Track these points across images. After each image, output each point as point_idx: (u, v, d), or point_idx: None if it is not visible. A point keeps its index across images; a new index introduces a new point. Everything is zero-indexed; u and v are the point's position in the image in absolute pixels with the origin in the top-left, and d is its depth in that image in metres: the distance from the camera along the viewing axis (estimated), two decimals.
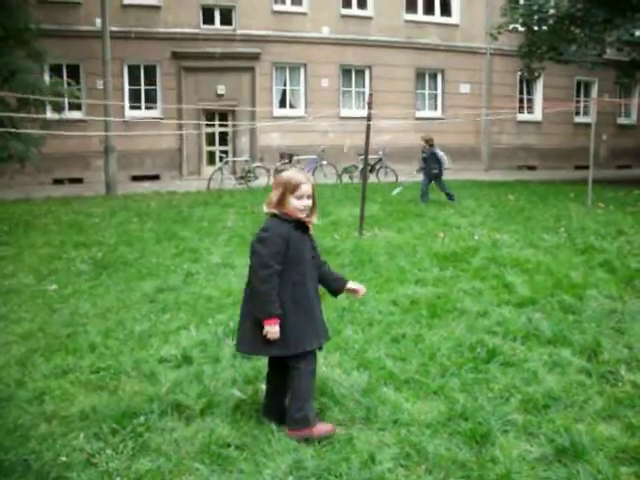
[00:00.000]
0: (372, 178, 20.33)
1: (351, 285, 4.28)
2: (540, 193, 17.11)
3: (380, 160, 21.79)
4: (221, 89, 23.19)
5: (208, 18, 23.23)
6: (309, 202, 3.93)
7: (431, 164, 14.87)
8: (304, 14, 24.32)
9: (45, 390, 4.57)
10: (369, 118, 10.87)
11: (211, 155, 23.94)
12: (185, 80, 22.88)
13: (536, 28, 21.75)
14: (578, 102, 28.84)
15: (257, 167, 20.81)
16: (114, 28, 19.72)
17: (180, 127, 22.33)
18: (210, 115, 23.74)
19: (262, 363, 5.00)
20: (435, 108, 27.12)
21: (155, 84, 22.81)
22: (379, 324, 5.96)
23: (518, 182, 21.02)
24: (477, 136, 27.43)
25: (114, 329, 5.98)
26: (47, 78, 18.40)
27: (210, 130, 23.72)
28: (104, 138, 18.92)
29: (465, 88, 27.05)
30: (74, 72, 21.33)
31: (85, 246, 10.06)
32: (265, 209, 3.99)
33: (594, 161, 13.90)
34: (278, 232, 3.86)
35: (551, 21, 21.33)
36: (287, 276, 3.87)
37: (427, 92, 26.97)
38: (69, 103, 18.39)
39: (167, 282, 7.73)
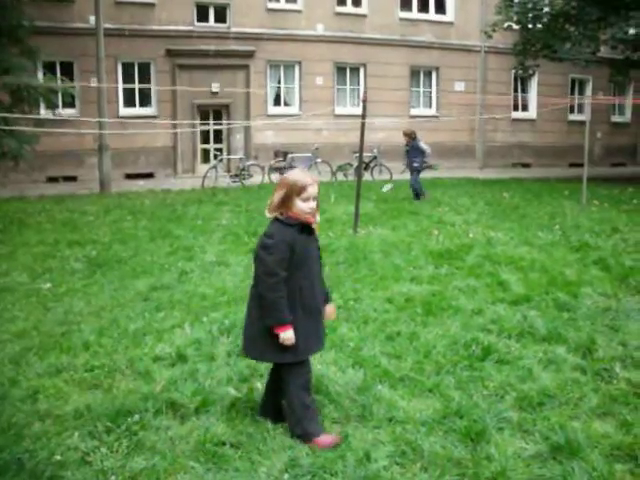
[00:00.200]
0: (367, 176, 20.35)
1: (328, 308, 4.13)
2: (535, 191, 17.14)
3: (375, 158, 21.79)
4: (215, 87, 23.14)
5: (202, 16, 23.17)
6: (314, 204, 3.83)
7: (412, 157, 14.88)
8: (298, 12, 24.28)
9: (39, 389, 4.56)
10: (364, 116, 10.86)
11: (205, 153, 23.90)
12: (179, 78, 22.82)
13: (530, 26, 21.77)
14: (572, 100, 28.88)
15: (251, 165, 20.80)
16: (108, 25, 19.66)
17: (174, 125, 22.29)
18: (204, 113, 23.70)
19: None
20: (430, 106, 27.11)
21: (149, 82, 22.74)
22: (374, 322, 5.97)
23: (513, 180, 21.05)
24: (472, 134, 27.45)
25: (108, 327, 5.97)
26: (41, 76, 18.32)
27: (204, 128, 23.67)
28: (98, 136, 18.85)
29: (460, 86, 27.05)
30: (68, 70, 21.23)
31: (79, 244, 10.03)
32: (267, 213, 3.90)
33: (588, 159, 13.92)
34: (283, 238, 3.76)
35: (545, 19, 21.35)
36: (294, 281, 3.78)
37: (422, 90, 26.96)
38: (63, 101, 18.29)
39: (161, 280, 7.72)
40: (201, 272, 8.12)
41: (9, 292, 7.37)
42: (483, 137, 27.61)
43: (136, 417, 4.07)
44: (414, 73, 26.56)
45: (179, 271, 8.16)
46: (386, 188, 16.57)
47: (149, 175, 22.58)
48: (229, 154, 23.05)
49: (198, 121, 23.20)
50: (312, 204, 3.80)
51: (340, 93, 25.57)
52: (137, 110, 22.55)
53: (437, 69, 26.75)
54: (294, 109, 24.42)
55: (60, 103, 17.96)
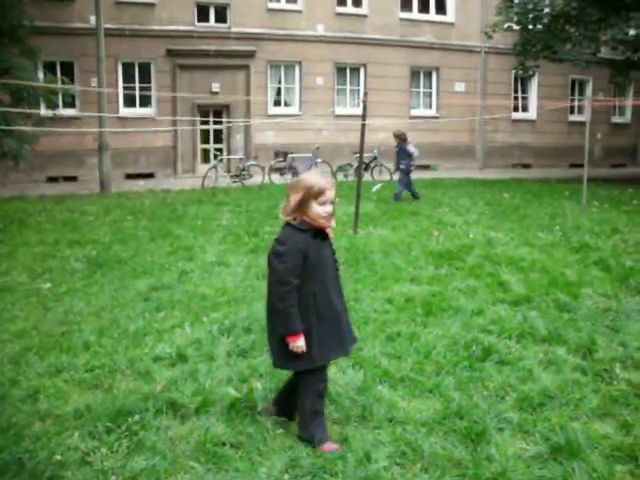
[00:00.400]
0: (367, 176, 20.35)
1: None
2: (535, 191, 17.13)
3: (375, 158, 21.77)
4: (216, 87, 23.14)
5: (203, 16, 23.17)
6: (331, 208, 3.75)
7: (400, 159, 14.92)
8: (299, 12, 24.29)
9: (39, 389, 4.56)
10: (364, 116, 10.86)
11: (205, 153, 23.91)
12: (180, 78, 22.82)
13: (531, 27, 21.75)
14: (573, 101, 28.88)
15: (252, 165, 20.79)
16: (108, 25, 19.66)
17: (174, 125, 22.29)
18: (205, 113, 23.70)
19: (257, 361, 5.01)
20: (430, 106, 27.11)
21: (149, 82, 22.74)
22: (374, 322, 5.96)
23: (513, 180, 21.04)
24: (472, 134, 27.45)
25: (108, 327, 5.97)
26: (41, 75, 18.32)
27: (205, 128, 23.67)
28: (98, 136, 18.85)
29: (460, 86, 27.05)
30: (68, 70, 21.23)
31: (79, 244, 10.03)
32: (282, 216, 3.79)
33: (589, 160, 13.91)
34: (295, 245, 3.67)
35: (546, 20, 21.34)
36: (307, 288, 3.70)
37: (422, 90, 26.96)
38: (63, 101, 18.29)
39: (161, 280, 7.71)
40: (201, 272, 8.12)
41: (9, 292, 7.37)
42: (483, 138, 27.61)
43: (136, 417, 4.07)
44: (414, 74, 26.56)
45: (179, 271, 8.15)
46: (376, 188, 16.63)
47: (149, 175, 22.58)
48: (229, 154, 23.05)
49: (198, 119, 23.19)
50: (329, 208, 3.72)
51: (340, 93, 25.57)
52: (137, 110, 22.55)
53: (437, 70, 26.75)
54: (294, 109, 24.42)
55: (60, 103, 17.97)
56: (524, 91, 28.72)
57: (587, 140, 13.66)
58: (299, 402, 3.91)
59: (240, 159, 21.27)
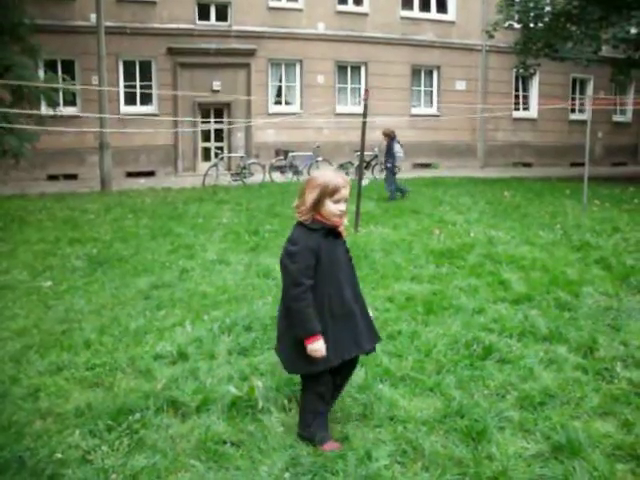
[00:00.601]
0: (367, 174, 20.34)
1: None
2: (536, 190, 17.13)
3: (376, 157, 21.77)
4: (216, 85, 23.13)
5: (204, 14, 23.17)
6: (345, 207, 3.69)
7: (387, 157, 15.01)
8: (300, 10, 24.28)
9: (40, 387, 4.56)
10: (365, 115, 10.85)
11: (206, 151, 23.90)
12: (180, 76, 22.82)
13: (532, 25, 21.75)
14: (574, 99, 28.86)
15: (252, 163, 20.79)
16: (109, 23, 19.66)
17: (175, 123, 22.28)
18: (205, 111, 23.70)
19: (258, 360, 5.01)
20: (431, 105, 27.10)
21: (150, 80, 22.74)
22: (375, 321, 5.94)
23: (514, 179, 21.04)
24: (473, 133, 27.45)
25: (109, 326, 5.97)
26: (42, 74, 18.32)
27: (205, 126, 23.67)
28: (99, 134, 18.86)
29: (461, 85, 27.05)
30: (69, 68, 21.22)
31: (80, 242, 10.03)
32: (299, 216, 3.71)
33: (590, 158, 13.90)
34: (307, 245, 3.61)
35: (547, 18, 21.33)
36: (321, 289, 3.64)
37: (423, 89, 26.95)
38: (64, 99, 18.29)
39: (162, 278, 7.71)
40: (202, 270, 8.12)
41: (10, 290, 7.37)
42: (484, 136, 27.60)
43: (137, 415, 4.07)
44: (415, 72, 26.55)
45: (180, 269, 8.15)
46: (363, 182, 16.64)
47: (150, 173, 22.60)
48: (230, 152, 23.05)
49: (199, 120, 23.19)
50: (342, 206, 3.66)
51: (341, 92, 25.56)
52: (138, 108, 22.55)
53: (438, 68, 26.73)
54: (295, 108, 24.42)
55: (61, 101, 17.97)
56: (525, 90, 28.71)
57: (588, 139, 13.64)
58: (301, 401, 3.91)
59: (241, 157, 21.28)
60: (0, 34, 15.37)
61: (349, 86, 25.71)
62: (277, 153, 21.95)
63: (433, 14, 26.62)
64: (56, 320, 6.21)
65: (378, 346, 5.22)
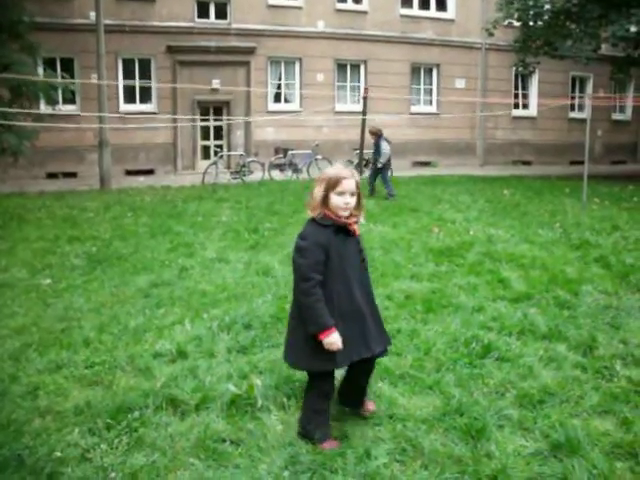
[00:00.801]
0: (367, 173, 20.31)
1: None
2: (535, 188, 17.13)
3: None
4: (216, 83, 23.11)
5: (203, 12, 23.14)
6: (351, 200, 3.65)
7: (375, 155, 15.13)
8: (299, 8, 24.25)
9: (39, 385, 4.56)
10: (364, 113, 10.85)
11: (206, 149, 23.88)
12: (180, 74, 22.80)
13: (531, 23, 21.72)
14: (573, 98, 28.85)
15: (252, 162, 20.77)
16: (108, 21, 19.64)
17: (175, 121, 22.27)
18: (205, 109, 23.68)
19: (257, 358, 5.01)
20: (430, 103, 27.08)
21: (150, 78, 22.72)
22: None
23: (513, 177, 21.04)
24: (472, 131, 27.43)
25: (108, 324, 5.97)
26: (41, 72, 18.31)
27: (205, 124, 23.66)
28: (98, 132, 18.85)
29: (460, 83, 27.03)
30: (68, 66, 21.21)
31: (79, 240, 10.03)
32: (309, 212, 3.74)
33: (589, 157, 13.89)
34: (316, 240, 3.61)
35: (546, 16, 21.31)
36: (330, 287, 3.64)
37: (422, 87, 26.92)
38: (63, 97, 18.28)
39: (161, 277, 7.71)
40: (201, 269, 8.12)
41: (9, 288, 7.36)
42: (483, 134, 27.59)
43: (136, 414, 4.07)
44: (415, 70, 26.52)
45: (179, 268, 8.15)
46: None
47: (149, 171, 22.59)
48: (229, 151, 23.04)
49: (198, 117, 23.17)
50: (347, 199, 3.64)
51: (340, 90, 25.54)
52: (137, 106, 22.53)
53: (438, 66, 26.71)
54: (295, 106, 24.41)
55: (60, 99, 17.95)
56: (524, 88, 28.69)
57: (587, 137, 13.64)
58: (305, 401, 3.90)
59: (240, 155, 21.26)
60: None
61: (348, 84, 25.69)
62: (276, 151, 21.93)
63: (433, 12, 26.60)
64: (55, 318, 6.21)
65: None
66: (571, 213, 12.29)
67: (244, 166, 20.25)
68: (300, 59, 24.46)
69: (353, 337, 3.69)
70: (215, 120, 23.68)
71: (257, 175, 20.17)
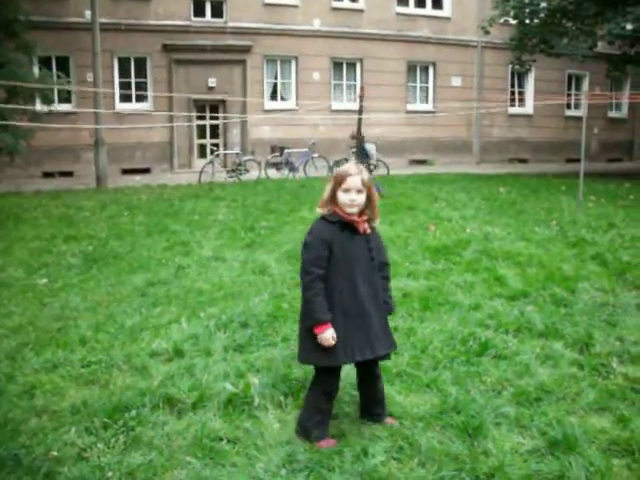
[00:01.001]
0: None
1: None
2: (532, 186, 17.13)
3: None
4: (212, 82, 23.09)
5: (199, 10, 23.11)
6: (357, 197, 3.66)
7: (363, 156, 15.25)
8: (295, 7, 24.23)
9: (35, 384, 4.55)
10: (360, 111, 10.85)
11: (202, 148, 23.84)
12: (176, 73, 22.77)
13: (527, 21, 21.73)
14: (569, 95, 28.88)
15: (248, 160, 20.76)
16: (104, 20, 19.58)
17: (171, 120, 22.24)
18: (201, 108, 23.66)
19: (254, 357, 5.00)
20: (426, 101, 27.10)
21: (145, 77, 22.68)
22: None
23: (510, 175, 21.04)
24: (469, 129, 27.44)
25: (105, 323, 5.96)
26: (36, 70, 18.27)
27: (201, 123, 23.63)
28: (94, 131, 18.81)
29: (456, 81, 27.04)
30: (64, 64, 21.17)
31: (75, 240, 10.01)
32: (317, 208, 3.79)
33: (585, 154, 13.91)
34: (320, 235, 3.66)
35: (542, 14, 21.32)
36: (332, 283, 3.66)
37: (418, 85, 26.93)
38: (59, 96, 18.24)
39: (158, 276, 7.70)
40: (198, 267, 8.11)
41: (5, 287, 7.35)
42: (480, 132, 27.60)
43: (133, 413, 4.07)
44: (411, 68, 26.53)
45: (176, 266, 8.14)
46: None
47: (145, 170, 22.56)
48: (226, 149, 23.01)
49: (194, 114, 23.14)
50: (353, 196, 3.65)
51: (337, 88, 25.53)
52: (133, 105, 22.50)
53: (434, 64, 26.72)
54: (291, 104, 24.40)
55: (56, 98, 17.91)
56: (521, 86, 28.71)
57: (584, 135, 13.64)
58: (306, 397, 3.90)
59: (236, 154, 21.23)
60: None
61: (345, 82, 25.69)
62: (273, 150, 21.91)
63: (428, 10, 26.61)
64: (52, 317, 6.20)
65: None
66: (567, 211, 12.30)
67: (240, 165, 20.24)
68: (296, 57, 24.45)
69: (356, 336, 3.70)
70: (211, 119, 23.66)
71: (253, 174, 20.15)
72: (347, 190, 3.65)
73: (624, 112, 31.29)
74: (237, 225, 10.96)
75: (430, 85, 27.00)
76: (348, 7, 25.19)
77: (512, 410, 4.12)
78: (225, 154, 22.39)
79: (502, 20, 21.81)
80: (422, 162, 26.15)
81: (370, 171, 15.13)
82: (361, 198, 3.68)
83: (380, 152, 21.71)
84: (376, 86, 23.53)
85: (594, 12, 19.64)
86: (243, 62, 23.67)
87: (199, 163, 21.87)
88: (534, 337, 5.43)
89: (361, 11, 25.31)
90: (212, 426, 3.93)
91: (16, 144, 14.88)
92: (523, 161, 28.26)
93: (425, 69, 26.91)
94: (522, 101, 28.74)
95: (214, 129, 24.06)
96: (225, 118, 23.04)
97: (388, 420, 3.98)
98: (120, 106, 22.03)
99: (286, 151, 21.19)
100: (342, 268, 3.68)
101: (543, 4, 21.03)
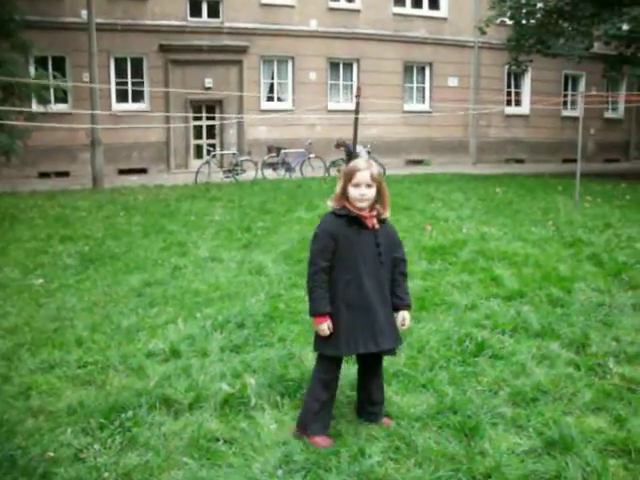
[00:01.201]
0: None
1: (403, 315, 3.95)
2: (528, 186, 17.15)
3: (369, 153, 21.73)
4: (208, 82, 23.08)
5: (195, 10, 23.09)
6: (367, 191, 3.71)
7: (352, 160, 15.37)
8: (292, 7, 24.23)
9: (32, 385, 4.54)
10: (357, 111, 10.85)
11: (198, 148, 23.84)
12: (172, 73, 22.75)
13: (524, 22, 21.77)
14: (566, 96, 28.92)
15: (245, 160, 20.76)
16: (100, 20, 19.57)
17: (167, 120, 22.22)
18: (197, 108, 23.64)
19: (251, 357, 5.00)
20: (423, 101, 27.12)
21: (142, 77, 22.66)
22: None
23: (506, 175, 21.06)
24: (465, 129, 27.47)
25: (101, 323, 5.95)
26: (32, 70, 18.24)
27: (198, 123, 23.62)
28: (91, 131, 18.78)
29: (453, 81, 27.07)
30: (60, 65, 21.14)
31: (72, 240, 9.99)
32: (328, 202, 3.87)
33: (582, 155, 13.93)
34: (327, 228, 3.75)
35: (539, 15, 21.38)
36: (337, 275, 3.74)
37: (415, 85, 26.96)
38: (55, 96, 18.21)
39: (154, 276, 7.69)
40: (194, 268, 8.10)
41: (1, 288, 7.33)
42: (476, 133, 27.64)
43: (129, 413, 4.06)
44: (407, 68, 26.55)
45: (172, 267, 8.13)
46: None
47: (142, 170, 22.53)
48: (222, 149, 23.00)
49: (191, 115, 23.13)
50: (363, 190, 3.70)
51: (333, 88, 25.54)
52: (130, 105, 22.47)
53: (430, 64, 26.74)
54: (287, 104, 24.39)
55: (52, 98, 17.88)
56: (517, 86, 28.75)
57: (580, 135, 13.68)
58: (309, 388, 3.96)
59: (233, 154, 21.24)
60: None
61: (341, 83, 25.70)
62: (269, 150, 21.91)
63: (425, 10, 26.64)
64: (48, 318, 6.18)
65: None
66: (564, 211, 12.31)
67: (237, 165, 20.24)
68: (293, 58, 24.45)
69: (360, 328, 3.75)
70: (208, 119, 23.65)
71: (250, 174, 20.15)
72: (357, 185, 3.71)
73: (620, 113, 31.33)
74: (233, 225, 10.95)
75: (427, 85, 27.02)
76: (345, 7, 25.21)
77: (508, 410, 4.13)
78: (222, 154, 22.39)
79: (499, 21, 21.83)
80: (418, 162, 26.18)
81: None
82: (371, 192, 3.74)
83: (376, 152, 21.75)
84: (373, 86, 23.53)
85: (590, 13, 19.68)
86: (240, 62, 23.66)
87: (196, 163, 21.86)
88: (530, 337, 5.43)
89: (358, 11, 25.32)
90: (208, 427, 3.93)
91: (12, 144, 14.86)
92: (520, 161, 28.29)
93: (422, 69, 26.93)
94: (518, 101, 28.75)
95: (211, 129, 24.05)
96: (222, 118, 23.03)
97: (384, 421, 3.98)
98: (117, 106, 22.00)
99: (282, 151, 21.20)
100: (347, 261, 3.75)
101: (539, 5, 21.07)
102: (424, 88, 27.06)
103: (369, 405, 4.03)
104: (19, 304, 6.68)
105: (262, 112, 23.48)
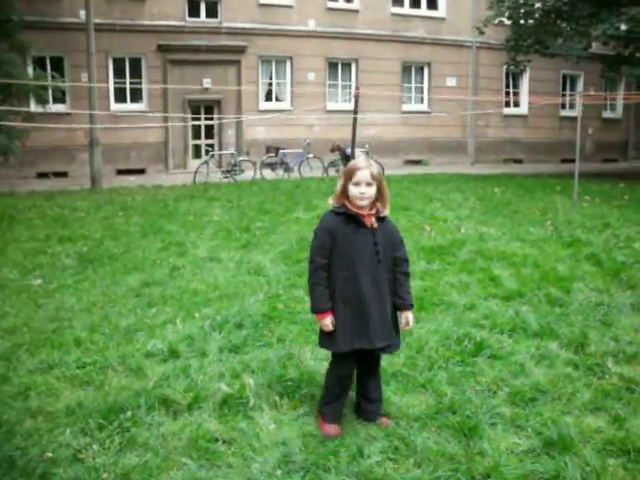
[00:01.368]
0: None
1: (406, 316, 3.99)
2: (526, 186, 17.15)
3: (367, 153, 21.74)
4: (207, 82, 23.07)
5: (194, 10, 23.08)
6: (367, 190, 3.76)
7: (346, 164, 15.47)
8: (290, 7, 24.22)
9: (30, 385, 4.54)
10: (355, 111, 10.84)
11: (197, 148, 23.83)
12: (171, 73, 22.74)
13: (522, 22, 21.78)
14: (564, 96, 28.94)
15: (243, 161, 20.74)
16: (98, 20, 19.54)
17: (166, 120, 22.21)
18: (196, 108, 23.63)
19: (249, 357, 4.99)
20: (421, 101, 27.12)
21: (140, 77, 22.65)
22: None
23: (504, 175, 21.06)
24: (463, 129, 27.47)
25: (100, 324, 5.94)
26: (31, 70, 18.22)
27: (196, 123, 23.61)
28: (89, 131, 18.77)
29: (451, 81, 27.07)
30: (58, 65, 21.12)
31: (70, 240, 9.98)
32: (329, 200, 3.92)
33: (580, 155, 13.94)
34: (325, 226, 3.83)
35: (537, 15, 21.38)
36: (335, 272, 3.81)
37: (413, 85, 26.95)
38: (53, 96, 18.20)
39: (153, 276, 7.68)
40: (193, 268, 8.09)
41: None
42: (475, 133, 27.64)
43: (128, 414, 4.06)
44: (406, 69, 26.55)
45: (171, 267, 8.12)
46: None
47: (140, 171, 22.51)
48: (220, 150, 22.99)
49: (189, 115, 23.12)
50: (363, 189, 3.75)
51: (332, 89, 25.53)
52: (128, 105, 22.45)
53: (429, 65, 26.75)
54: (286, 105, 24.39)
55: (50, 98, 17.87)
56: (515, 86, 28.75)
57: (578, 135, 13.68)
58: (324, 381, 4.08)
59: (231, 154, 21.22)
60: None
61: (340, 83, 25.69)
62: (268, 150, 21.91)
63: (423, 11, 26.64)
64: (46, 318, 6.18)
65: None
66: (562, 211, 12.31)
67: (235, 165, 20.22)
68: (291, 58, 24.44)
69: (355, 325, 3.80)
70: (206, 119, 23.64)
71: (248, 174, 20.13)
72: (357, 183, 3.75)
73: (619, 112, 31.37)
74: (232, 225, 10.94)
75: (425, 85, 27.02)
76: (343, 7, 25.21)
77: (507, 410, 4.13)
78: (220, 154, 22.38)
79: (497, 21, 21.83)
80: (417, 162, 26.17)
81: None
82: (371, 191, 3.78)
83: (375, 152, 21.75)
84: (371, 86, 23.48)
85: (588, 13, 19.68)
86: (238, 62, 23.65)
87: (194, 163, 21.85)
88: (529, 337, 5.43)
89: (356, 11, 25.32)
90: (207, 427, 3.92)
91: (10, 144, 14.86)
92: (518, 161, 28.30)
93: (420, 69, 26.94)
94: (517, 101, 28.76)
95: (209, 129, 24.04)
96: (220, 118, 23.01)
97: (383, 421, 3.99)
98: (115, 106, 21.99)
99: (281, 151, 21.19)
100: (344, 259, 3.79)
101: (538, 5, 21.07)
102: (422, 88, 27.05)
103: (366, 403, 4.06)
104: (18, 304, 6.68)
105: (260, 112, 23.46)
